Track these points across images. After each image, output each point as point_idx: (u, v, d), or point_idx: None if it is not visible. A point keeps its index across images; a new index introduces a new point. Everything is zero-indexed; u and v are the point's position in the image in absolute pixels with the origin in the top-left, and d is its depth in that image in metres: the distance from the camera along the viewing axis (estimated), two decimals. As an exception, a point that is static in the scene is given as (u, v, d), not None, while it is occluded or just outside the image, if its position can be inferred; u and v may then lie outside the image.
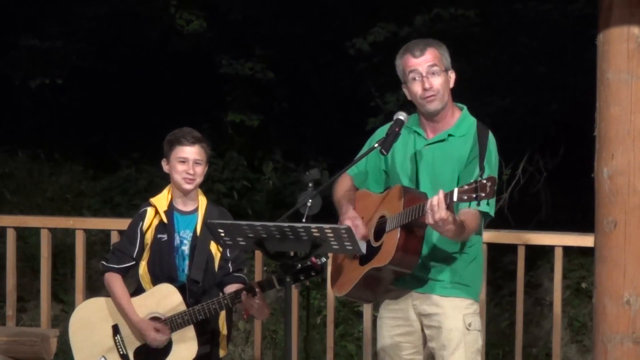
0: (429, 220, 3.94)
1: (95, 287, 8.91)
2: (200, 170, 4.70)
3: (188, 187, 4.70)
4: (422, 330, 4.38)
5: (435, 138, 4.31)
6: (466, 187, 3.88)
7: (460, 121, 4.33)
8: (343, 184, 4.51)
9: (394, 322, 4.40)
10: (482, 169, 4.02)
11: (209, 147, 4.76)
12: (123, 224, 6.06)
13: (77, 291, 6.15)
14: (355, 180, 4.51)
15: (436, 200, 3.90)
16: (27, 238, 9.00)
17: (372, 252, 4.24)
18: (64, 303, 8.94)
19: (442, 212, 3.90)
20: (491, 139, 4.26)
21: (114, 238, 6.01)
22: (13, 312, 6.33)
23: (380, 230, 4.26)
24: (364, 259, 4.28)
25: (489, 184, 3.82)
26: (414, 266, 4.20)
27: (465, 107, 4.38)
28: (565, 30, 9.76)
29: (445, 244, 4.26)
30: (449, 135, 4.30)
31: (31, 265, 8.63)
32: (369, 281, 4.30)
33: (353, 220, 4.28)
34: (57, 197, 10.88)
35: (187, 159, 4.66)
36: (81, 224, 6.24)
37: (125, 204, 10.66)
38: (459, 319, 4.29)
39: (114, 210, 10.47)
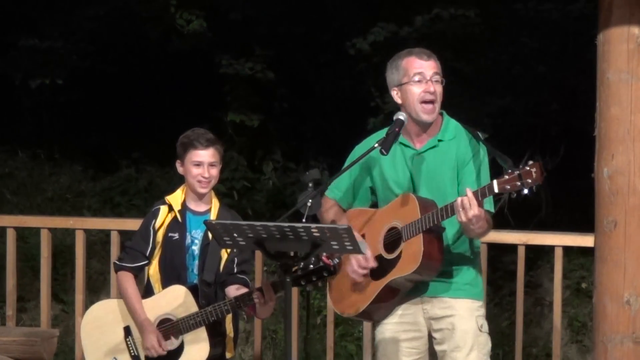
0: (462, 218, 3.93)
1: (95, 287, 8.93)
2: (215, 172, 4.71)
3: (203, 190, 4.72)
4: (429, 336, 4.36)
5: (426, 146, 4.29)
6: (507, 177, 3.87)
7: (445, 126, 4.32)
8: (325, 206, 4.43)
9: (400, 328, 4.36)
10: (505, 160, 3.99)
11: (222, 147, 4.77)
12: (123, 224, 6.10)
13: (77, 291, 6.15)
14: (340, 202, 4.47)
15: (467, 199, 3.90)
16: (27, 238, 8.99)
17: (388, 265, 4.20)
18: (64, 303, 8.94)
19: (475, 209, 3.90)
20: (481, 135, 4.28)
21: (114, 238, 6.01)
22: (13, 312, 6.32)
23: (393, 242, 4.23)
24: (377, 274, 4.25)
25: (534, 169, 3.82)
26: (436, 272, 4.19)
27: (444, 112, 4.36)
28: (565, 30, 9.78)
29: (455, 245, 4.26)
30: (439, 140, 4.29)
31: (31, 265, 8.63)
32: (387, 294, 4.26)
33: (367, 261, 4.24)
34: (57, 197, 10.88)
35: (202, 163, 4.66)
36: (81, 224, 6.23)
37: (125, 204, 10.67)
38: (472, 321, 4.28)
39: (114, 210, 10.47)
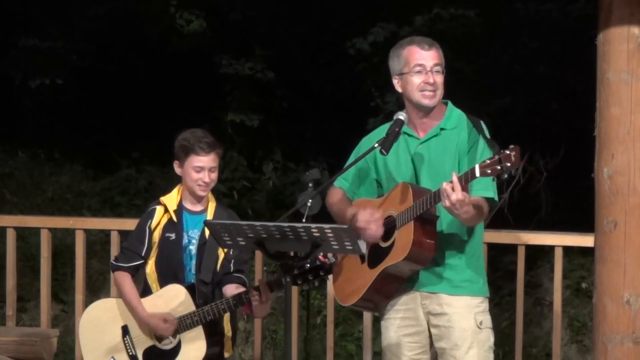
0: (446, 203, 3.94)
1: (95, 287, 8.93)
2: (215, 176, 4.72)
3: (203, 194, 4.74)
4: (429, 329, 4.37)
5: (428, 135, 4.31)
6: (488, 161, 3.87)
7: (449, 114, 4.34)
8: (335, 195, 4.51)
9: (401, 322, 4.38)
10: (493, 145, 4.02)
11: (221, 149, 4.77)
12: (123, 224, 6.10)
13: (77, 291, 6.15)
14: (347, 192, 4.50)
15: (450, 183, 3.91)
16: (27, 238, 8.99)
17: (383, 253, 4.23)
18: (64, 303, 8.95)
19: (458, 194, 3.90)
20: (484, 125, 4.29)
21: (114, 238, 6.01)
22: (13, 312, 6.32)
23: (388, 230, 4.25)
24: (373, 262, 4.27)
25: (513, 153, 3.82)
26: (429, 261, 4.19)
27: (449, 102, 4.39)
28: (565, 30, 9.77)
29: (452, 239, 4.26)
30: (441, 129, 4.31)
31: (31, 265, 8.63)
32: (382, 283, 4.27)
33: (372, 215, 4.25)
34: (57, 197, 10.88)
35: (203, 168, 4.67)
36: (81, 224, 6.24)
37: (125, 204, 10.67)
38: (471, 318, 4.28)
39: (114, 210, 10.47)
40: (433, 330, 4.34)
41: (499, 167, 3.84)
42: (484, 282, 4.41)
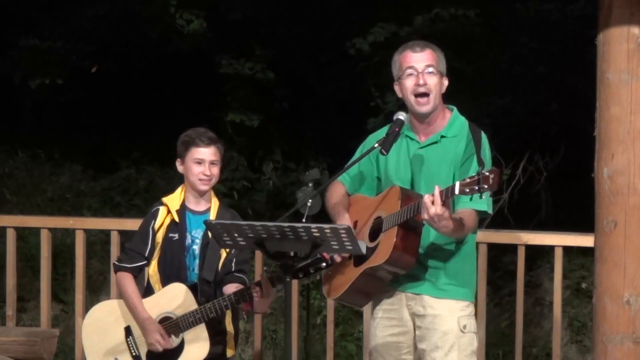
0: (424, 215, 3.95)
1: (95, 287, 8.94)
2: (216, 170, 4.71)
3: (204, 188, 4.73)
4: (415, 330, 4.38)
5: (428, 140, 4.32)
6: (468, 180, 3.89)
7: (452, 122, 4.34)
8: (336, 191, 4.51)
9: (387, 322, 4.40)
10: (481, 163, 4.03)
11: (223, 146, 4.78)
12: (123, 224, 6.10)
13: (77, 291, 6.15)
14: (348, 188, 4.51)
15: (431, 196, 3.92)
16: (27, 238, 9.00)
17: (368, 252, 4.23)
18: (64, 303, 8.95)
19: (437, 208, 3.91)
20: (484, 138, 4.28)
21: (114, 238, 6.01)
22: (13, 312, 6.32)
23: (376, 231, 4.26)
24: (358, 260, 4.28)
25: (492, 175, 3.83)
26: (410, 267, 4.20)
27: (455, 108, 4.39)
28: (565, 30, 9.78)
29: (440, 243, 4.26)
30: (442, 136, 4.31)
31: (31, 265, 8.63)
32: (363, 282, 4.29)
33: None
34: (57, 197, 10.88)
35: (204, 160, 4.67)
36: (81, 224, 6.24)
37: (125, 204, 10.68)
38: (454, 321, 4.28)
39: (114, 210, 10.48)
40: (417, 332, 4.35)
41: (476, 188, 3.86)
42: (472, 287, 4.41)
